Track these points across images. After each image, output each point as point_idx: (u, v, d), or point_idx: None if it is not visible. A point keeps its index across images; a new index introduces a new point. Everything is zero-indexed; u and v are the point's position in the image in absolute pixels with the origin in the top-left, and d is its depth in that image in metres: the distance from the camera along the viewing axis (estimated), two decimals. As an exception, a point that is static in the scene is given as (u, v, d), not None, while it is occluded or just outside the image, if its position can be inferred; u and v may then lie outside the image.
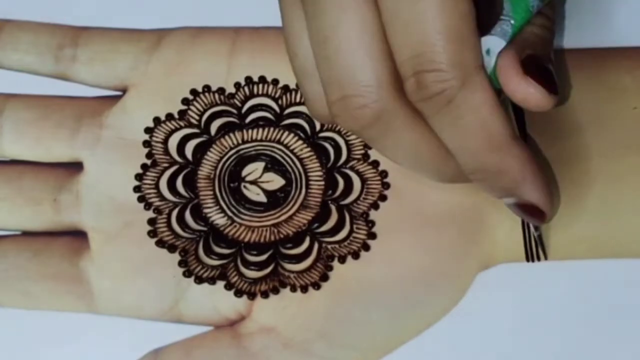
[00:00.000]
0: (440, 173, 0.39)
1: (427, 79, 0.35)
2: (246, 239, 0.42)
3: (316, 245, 0.42)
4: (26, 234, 0.43)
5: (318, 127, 0.44)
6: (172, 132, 0.44)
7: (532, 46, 0.37)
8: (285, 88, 0.44)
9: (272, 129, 0.44)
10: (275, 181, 0.43)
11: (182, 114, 0.44)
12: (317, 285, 0.41)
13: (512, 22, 0.37)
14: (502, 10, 0.37)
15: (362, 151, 0.43)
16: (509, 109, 0.38)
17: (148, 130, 0.43)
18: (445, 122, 0.36)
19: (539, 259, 0.42)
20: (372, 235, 0.42)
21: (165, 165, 0.43)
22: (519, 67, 0.36)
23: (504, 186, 0.37)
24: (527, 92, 0.36)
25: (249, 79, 0.44)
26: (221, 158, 0.43)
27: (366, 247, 0.42)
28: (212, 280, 0.41)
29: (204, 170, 0.43)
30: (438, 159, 0.38)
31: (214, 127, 0.44)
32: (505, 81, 0.36)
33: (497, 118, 0.36)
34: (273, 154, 0.43)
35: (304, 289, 0.41)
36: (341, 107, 0.36)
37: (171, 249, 0.42)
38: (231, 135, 0.44)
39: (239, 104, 0.44)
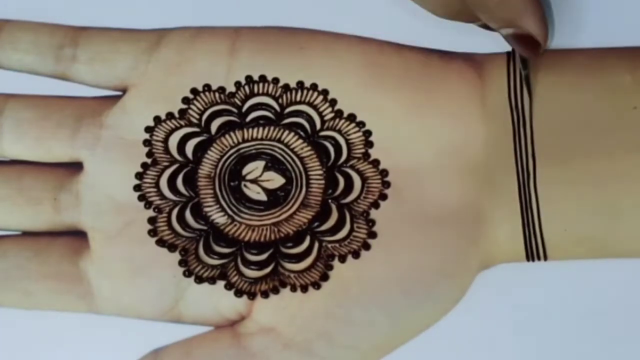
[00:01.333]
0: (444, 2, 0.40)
1: None
2: (246, 238, 0.42)
3: (316, 245, 0.42)
4: (26, 234, 0.43)
5: (318, 126, 0.44)
6: (172, 131, 0.44)
7: None
8: (286, 87, 0.44)
9: (272, 128, 0.44)
10: (275, 180, 0.43)
11: (183, 113, 0.44)
12: (317, 285, 0.41)
13: None
14: None
15: (363, 150, 0.43)
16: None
17: (148, 129, 0.43)
18: None
19: (539, 258, 0.42)
20: (373, 235, 0.42)
21: (166, 164, 0.43)
22: None
23: (505, 16, 0.39)
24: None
25: (249, 78, 0.44)
26: (221, 157, 0.43)
27: (366, 247, 0.42)
28: (212, 280, 0.42)
29: (205, 169, 0.43)
30: None
31: (215, 126, 0.44)
32: None
33: None
34: (273, 152, 0.43)
35: (304, 289, 0.41)
36: None
37: (171, 248, 0.42)
38: (231, 134, 0.44)
39: (239, 102, 0.44)
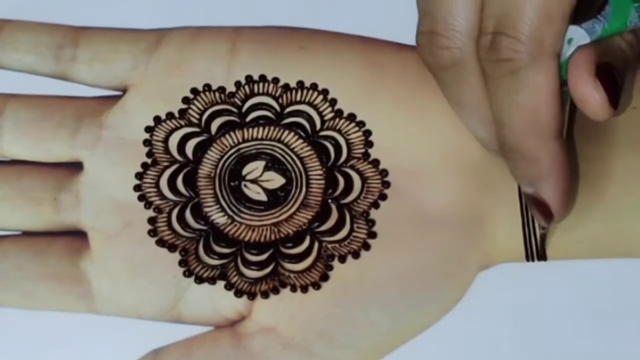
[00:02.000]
0: (482, 138, 0.40)
1: (503, 41, 0.36)
2: (246, 238, 0.42)
3: (316, 245, 0.42)
4: (26, 234, 0.43)
5: (318, 126, 0.44)
6: (172, 131, 0.44)
7: (613, 56, 0.37)
8: (286, 87, 0.44)
9: (272, 128, 0.44)
10: (275, 180, 0.43)
11: (183, 112, 0.44)
12: (317, 285, 0.41)
13: (605, 25, 0.37)
14: (601, 10, 0.37)
15: (363, 150, 0.43)
16: (566, 106, 0.38)
17: (148, 129, 0.43)
18: (502, 90, 0.37)
19: (539, 259, 0.42)
20: (373, 235, 0.42)
21: (166, 164, 0.43)
22: (592, 67, 0.37)
23: (528, 174, 0.38)
24: (590, 94, 0.36)
25: (249, 78, 0.44)
26: (221, 157, 0.43)
27: (366, 247, 0.42)
28: (212, 280, 0.41)
29: (205, 169, 0.43)
30: (487, 124, 0.39)
31: (215, 126, 0.44)
32: (573, 74, 0.37)
33: (551, 107, 0.36)
34: (273, 152, 0.43)
35: (304, 289, 0.41)
36: (426, 40, 0.38)
37: (171, 248, 0.42)
38: (231, 134, 0.44)
39: (239, 102, 0.44)
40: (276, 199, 0.43)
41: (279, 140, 0.44)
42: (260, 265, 0.42)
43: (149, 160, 0.43)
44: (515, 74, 0.35)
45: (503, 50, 0.35)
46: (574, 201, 0.41)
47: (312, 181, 0.43)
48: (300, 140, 0.44)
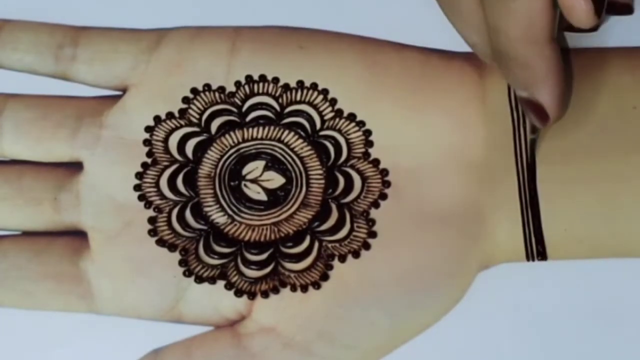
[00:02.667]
0: (475, 44, 0.40)
1: None
2: (246, 238, 0.42)
3: (316, 244, 0.42)
4: (26, 234, 0.43)
5: (319, 125, 0.44)
6: (172, 130, 0.44)
7: None
8: (286, 86, 0.44)
9: (272, 128, 0.44)
10: (275, 180, 0.43)
11: (183, 112, 0.44)
12: (317, 285, 0.41)
13: None
14: None
15: (363, 150, 0.43)
16: (557, 12, 0.38)
17: (148, 129, 0.43)
18: None
19: (539, 258, 0.42)
20: (373, 234, 0.42)
21: (166, 163, 0.43)
22: None
23: (523, 79, 0.39)
24: (577, 1, 0.36)
25: (249, 78, 0.44)
26: (221, 157, 0.43)
27: (367, 246, 0.42)
28: (212, 280, 0.41)
29: (205, 168, 0.43)
30: (481, 31, 0.39)
31: (215, 125, 0.44)
32: None
33: (545, 14, 0.37)
34: (273, 152, 0.43)
35: (304, 289, 0.41)
36: None
37: (171, 248, 0.42)
38: (231, 133, 0.44)
39: (239, 102, 0.44)
40: (276, 198, 0.43)
41: (279, 140, 0.44)
42: (261, 265, 0.42)
43: (149, 160, 0.43)
44: None
45: None
46: (568, 101, 0.42)
47: (312, 181, 0.43)
48: (301, 140, 0.44)
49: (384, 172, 0.43)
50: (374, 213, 0.42)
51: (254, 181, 0.43)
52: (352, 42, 0.44)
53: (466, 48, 0.44)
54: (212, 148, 0.43)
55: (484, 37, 0.40)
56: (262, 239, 0.42)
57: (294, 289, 0.41)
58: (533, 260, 0.42)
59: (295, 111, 0.44)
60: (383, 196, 0.43)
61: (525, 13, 0.37)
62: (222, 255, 0.42)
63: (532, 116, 0.40)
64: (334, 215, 0.43)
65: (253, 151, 0.43)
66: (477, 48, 0.41)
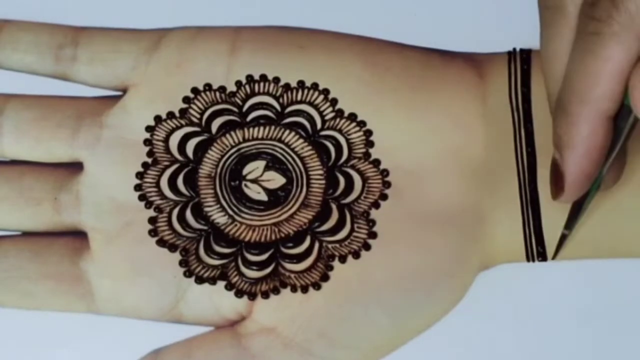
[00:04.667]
0: (548, 92, 0.39)
1: (603, 3, 0.36)
2: (247, 238, 0.42)
3: (317, 245, 0.42)
4: (26, 234, 0.43)
5: (319, 125, 0.44)
6: (173, 130, 0.44)
7: None
8: (287, 86, 0.44)
9: (273, 128, 0.44)
10: (276, 180, 0.43)
11: (183, 112, 0.44)
12: (317, 286, 0.41)
13: None
14: None
15: (363, 150, 0.43)
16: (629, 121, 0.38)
17: (149, 129, 0.43)
18: (581, 45, 0.37)
19: (539, 258, 0.42)
20: (373, 235, 0.42)
21: (166, 163, 0.43)
22: None
23: (561, 136, 0.38)
24: None
25: (249, 77, 0.44)
26: (222, 156, 0.43)
27: (367, 247, 0.42)
28: (212, 281, 0.41)
29: (205, 168, 0.43)
30: (559, 78, 0.38)
31: (215, 125, 0.44)
32: (635, 87, 0.36)
33: (612, 80, 0.36)
34: (274, 152, 0.43)
35: (305, 289, 0.41)
36: None
37: (172, 248, 0.42)
38: (232, 133, 0.44)
39: (240, 102, 0.44)
40: (277, 198, 0.43)
41: (280, 140, 0.44)
42: (261, 265, 0.42)
43: (149, 160, 0.43)
44: (598, 35, 0.35)
45: (600, 10, 0.35)
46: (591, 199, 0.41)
47: (312, 181, 0.43)
48: (301, 140, 0.44)
49: (385, 173, 0.43)
50: (374, 213, 0.42)
51: (255, 181, 0.43)
52: (353, 42, 0.44)
53: (466, 48, 0.44)
54: (213, 148, 0.43)
55: (558, 87, 0.39)
56: (263, 239, 0.42)
57: (294, 289, 0.41)
58: (533, 260, 0.42)
59: (296, 111, 0.44)
60: (383, 197, 0.43)
61: (594, 70, 0.36)
62: (222, 256, 0.42)
63: (551, 186, 0.40)
64: (335, 215, 0.43)
65: (254, 151, 0.43)
66: (549, 98, 0.40)
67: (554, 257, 0.42)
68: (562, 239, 0.41)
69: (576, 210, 0.41)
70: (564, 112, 0.37)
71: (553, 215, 0.42)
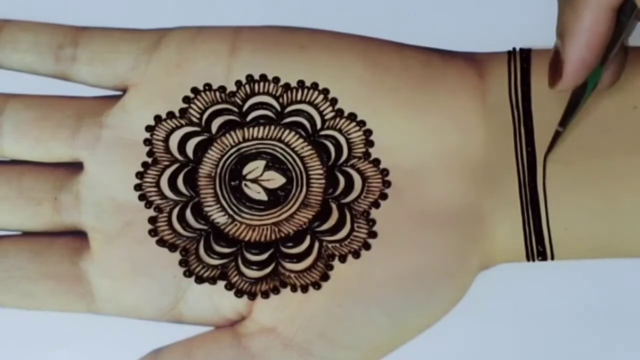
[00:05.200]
0: None
1: None
2: (247, 238, 0.42)
3: (317, 245, 0.42)
4: (26, 234, 0.43)
5: (319, 125, 0.44)
6: (173, 130, 0.44)
7: None
8: (286, 86, 0.44)
9: (273, 127, 0.44)
10: (276, 179, 0.43)
11: (183, 112, 0.44)
12: (317, 285, 0.41)
13: None
14: None
15: (363, 149, 0.43)
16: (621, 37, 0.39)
17: (149, 129, 0.43)
18: None
19: (539, 258, 0.42)
20: (373, 234, 0.42)
21: (166, 163, 0.43)
22: None
23: (564, 22, 0.39)
24: None
25: (249, 77, 0.44)
26: (222, 156, 0.43)
27: (367, 246, 0.42)
28: (212, 280, 0.41)
29: (205, 168, 0.43)
30: None
31: (215, 125, 0.44)
32: None
33: None
34: (274, 152, 0.43)
35: (305, 289, 0.41)
36: None
37: (172, 248, 0.42)
38: (232, 133, 0.44)
39: (239, 102, 0.44)
40: (276, 198, 0.43)
41: (280, 140, 0.44)
42: (261, 265, 0.42)
43: (149, 160, 0.43)
44: None
45: None
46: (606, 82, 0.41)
47: (312, 180, 0.43)
48: (301, 140, 0.44)
49: (385, 172, 0.43)
50: (374, 213, 0.42)
51: (255, 181, 0.43)
52: (353, 42, 0.44)
53: (466, 48, 0.44)
54: (213, 148, 0.43)
55: None
56: (263, 239, 0.42)
57: (294, 289, 0.41)
58: (533, 260, 0.42)
59: (296, 111, 0.44)
60: (383, 196, 0.43)
61: None
62: (222, 256, 0.42)
63: (549, 73, 0.40)
64: (334, 215, 0.43)
65: (253, 151, 0.43)
66: None
67: (546, 155, 0.42)
68: (556, 135, 0.42)
69: (572, 107, 0.41)
70: (570, 0, 0.38)
71: (553, 214, 0.42)
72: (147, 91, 0.44)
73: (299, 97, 0.44)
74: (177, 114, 0.44)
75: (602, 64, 0.39)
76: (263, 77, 0.44)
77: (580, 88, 0.40)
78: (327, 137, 0.44)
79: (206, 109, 0.44)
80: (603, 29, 0.38)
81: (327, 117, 0.44)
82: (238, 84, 0.44)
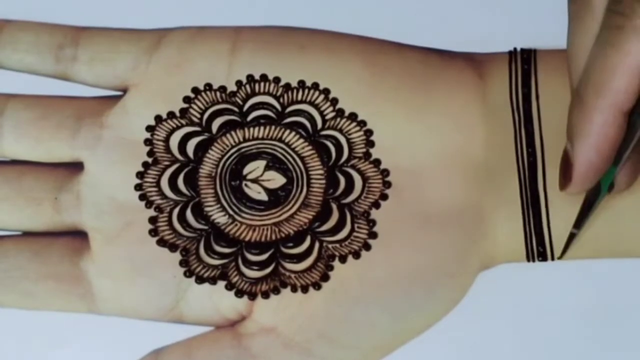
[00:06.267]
0: (571, 84, 0.40)
1: (628, 1, 0.36)
2: (247, 238, 0.42)
3: (317, 245, 0.42)
4: (26, 234, 0.43)
5: (320, 125, 0.44)
6: (173, 130, 0.44)
7: None
8: (287, 86, 0.44)
9: (273, 127, 0.44)
10: (276, 180, 0.43)
11: (184, 112, 0.44)
12: (317, 285, 0.41)
13: None
14: None
15: (364, 150, 0.43)
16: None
17: (149, 129, 0.43)
18: (603, 38, 0.37)
19: (540, 258, 0.42)
20: (373, 235, 0.42)
21: (167, 163, 0.43)
22: None
23: (574, 125, 0.38)
24: None
25: (250, 77, 0.44)
26: (222, 156, 0.43)
27: (367, 247, 0.42)
28: (212, 280, 0.41)
29: (205, 168, 0.43)
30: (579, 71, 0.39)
31: (216, 125, 0.44)
32: None
33: (630, 75, 0.36)
34: (274, 152, 0.43)
35: (305, 289, 0.41)
36: None
37: (172, 248, 0.42)
38: (232, 133, 0.44)
39: (240, 102, 0.44)
40: (277, 198, 0.43)
41: (280, 140, 0.44)
42: (261, 265, 0.42)
43: (149, 160, 0.43)
44: (620, 29, 0.36)
45: (624, 5, 0.36)
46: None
47: (313, 181, 0.43)
48: (302, 140, 0.43)
49: (385, 172, 0.43)
50: (374, 213, 0.42)
51: (255, 181, 0.43)
52: (353, 42, 0.44)
53: (466, 48, 0.44)
54: (213, 148, 0.43)
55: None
56: (263, 239, 0.42)
57: (294, 289, 0.41)
58: (534, 260, 0.42)
59: (296, 111, 0.44)
60: (384, 196, 0.43)
61: (613, 63, 0.36)
62: (222, 256, 0.42)
63: (560, 177, 0.40)
64: (335, 215, 0.43)
65: (254, 151, 0.43)
66: (572, 88, 0.40)
67: (561, 257, 0.42)
68: (571, 237, 0.41)
69: (586, 210, 0.41)
70: (580, 101, 0.38)
71: (554, 215, 0.42)
72: (147, 91, 0.44)
73: (299, 97, 0.44)
74: (178, 114, 0.44)
75: (616, 165, 0.39)
76: (264, 77, 0.44)
77: (594, 190, 0.40)
78: (327, 137, 0.44)
79: (207, 109, 0.44)
80: (613, 133, 0.38)
81: (327, 117, 0.44)
82: (238, 84, 0.44)
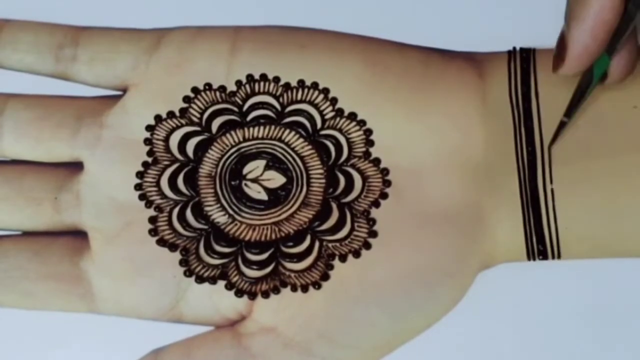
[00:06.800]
0: None
1: None
2: (247, 238, 0.42)
3: (317, 244, 0.42)
4: (26, 234, 0.43)
5: (319, 125, 0.44)
6: (173, 129, 0.44)
7: None
8: (287, 86, 0.44)
9: (273, 127, 0.44)
10: (276, 179, 0.43)
11: (183, 111, 0.44)
12: (317, 285, 0.41)
13: None
14: None
15: (363, 149, 0.43)
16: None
17: (149, 128, 0.43)
18: None
19: (540, 257, 0.42)
20: (373, 234, 0.42)
21: (167, 163, 0.43)
22: None
23: (573, 6, 0.39)
24: None
25: (250, 77, 0.44)
26: (222, 156, 0.43)
27: (367, 246, 0.42)
28: (212, 280, 0.41)
29: (205, 168, 0.43)
30: None
31: (215, 125, 0.44)
32: None
33: None
34: (274, 152, 0.43)
35: (305, 289, 0.41)
36: None
37: (172, 247, 0.42)
38: (232, 133, 0.44)
39: (240, 101, 0.44)
40: (277, 198, 0.43)
41: (280, 139, 0.44)
42: (261, 265, 0.42)
43: (149, 159, 0.43)
44: None
45: None
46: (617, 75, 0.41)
47: (312, 180, 0.43)
48: (301, 139, 0.44)
49: (385, 172, 0.43)
50: (374, 212, 0.42)
51: (255, 180, 0.43)
52: (353, 41, 0.44)
53: (466, 48, 0.44)
54: (213, 147, 0.43)
55: None
56: (263, 238, 0.42)
57: (294, 289, 0.41)
58: (534, 259, 0.42)
59: (296, 110, 0.44)
60: (384, 195, 0.43)
61: None
62: (222, 255, 0.42)
63: (554, 56, 0.40)
64: (335, 214, 0.43)
65: (254, 150, 0.43)
66: None
67: (551, 144, 0.42)
68: (561, 125, 0.42)
69: (577, 98, 0.41)
70: None
71: (553, 214, 0.42)
72: (147, 91, 0.44)
73: (299, 97, 0.44)
74: (178, 114, 0.44)
75: (610, 54, 0.39)
76: (263, 77, 0.44)
77: (586, 79, 0.40)
78: (327, 136, 0.44)
79: (206, 108, 0.44)
80: (608, 17, 0.38)
81: (327, 116, 0.44)
82: (238, 83, 0.44)
